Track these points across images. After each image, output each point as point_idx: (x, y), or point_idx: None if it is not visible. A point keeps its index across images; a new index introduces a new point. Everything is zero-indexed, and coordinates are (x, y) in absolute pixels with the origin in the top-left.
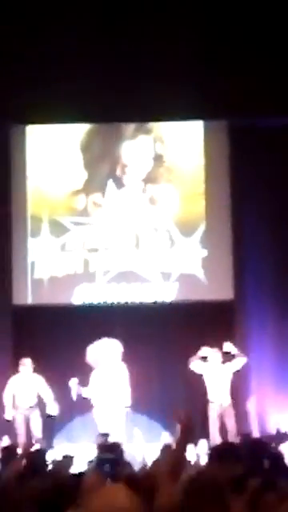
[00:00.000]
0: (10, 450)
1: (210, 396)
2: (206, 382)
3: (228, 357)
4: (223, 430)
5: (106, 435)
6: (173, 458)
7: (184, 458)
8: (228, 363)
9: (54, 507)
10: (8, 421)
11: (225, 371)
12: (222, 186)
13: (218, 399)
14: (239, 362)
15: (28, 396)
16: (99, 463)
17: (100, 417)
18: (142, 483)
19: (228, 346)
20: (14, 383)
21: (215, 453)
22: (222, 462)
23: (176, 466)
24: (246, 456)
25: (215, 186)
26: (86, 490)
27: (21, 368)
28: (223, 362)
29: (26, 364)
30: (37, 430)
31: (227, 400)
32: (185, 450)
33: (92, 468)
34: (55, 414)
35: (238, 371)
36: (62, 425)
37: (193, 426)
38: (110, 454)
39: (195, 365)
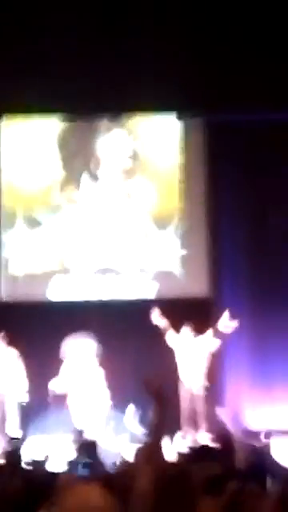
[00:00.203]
0: None
1: (180, 375)
2: (177, 361)
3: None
4: (193, 413)
5: (80, 432)
6: (150, 440)
7: (161, 437)
8: (201, 337)
9: (27, 506)
10: None
11: (198, 348)
12: (198, 182)
13: (190, 379)
14: (212, 340)
15: (4, 382)
16: (73, 465)
17: (74, 411)
18: (118, 482)
19: (224, 317)
20: None
21: (192, 452)
22: (199, 461)
23: (153, 451)
24: (224, 455)
25: (191, 181)
26: (60, 489)
27: None
28: (195, 336)
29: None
30: (12, 418)
31: (199, 382)
32: (163, 426)
33: (66, 470)
34: (26, 403)
35: (213, 356)
36: (36, 415)
37: (165, 395)
38: (84, 457)
39: (169, 335)
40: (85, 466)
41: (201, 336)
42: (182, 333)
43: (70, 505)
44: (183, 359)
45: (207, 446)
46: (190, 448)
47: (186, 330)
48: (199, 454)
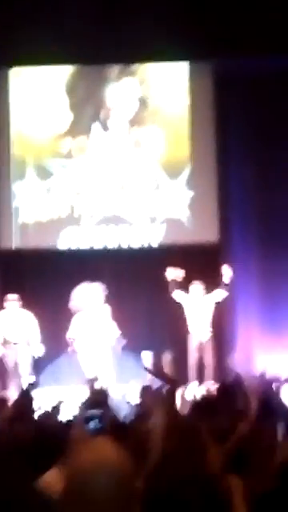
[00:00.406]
0: None
1: (189, 327)
2: (186, 314)
3: (211, 288)
4: (201, 363)
5: (92, 380)
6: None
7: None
8: (209, 294)
9: (39, 458)
10: None
11: (206, 303)
12: (208, 128)
13: (198, 331)
14: (219, 293)
15: (16, 332)
16: (85, 420)
17: (86, 360)
18: (131, 434)
19: (225, 270)
20: (1, 318)
21: (197, 405)
22: (204, 415)
23: (168, 401)
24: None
25: (201, 128)
26: (73, 444)
27: (7, 304)
28: (205, 294)
29: (12, 299)
30: (25, 369)
31: (207, 333)
32: (174, 401)
33: (78, 424)
34: (40, 355)
35: (219, 304)
36: (49, 363)
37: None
38: (97, 410)
39: (177, 293)
40: (97, 419)
41: (210, 294)
42: (191, 289)
43: (83, 460)
44: (192, 311)
45: (217, 395)
46: (201, 398)
47: (196, 287)
48: (209, 403)
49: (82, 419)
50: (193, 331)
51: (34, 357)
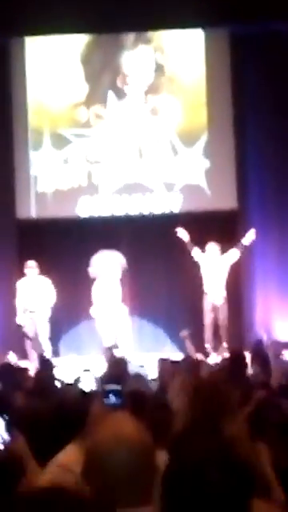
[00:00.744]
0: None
1: (205, 288)
2: (202, 274)
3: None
4: (216, 323)
5: (111, 348)
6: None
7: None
8: (225, 255)
9: (60, 432)
10: (19, 326)
11: (221, 263)
12: (224, 96)
13: (213, 292)
14: (234, 253)
15: (35, 300)
16: (104, 395)
17: (105, 328)
18: (152, 410)
19: (250, 234)
20: (21, 286)
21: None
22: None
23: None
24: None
25: (217, 95)
26: (92, 420)
27: (26, 270)
28: (221, 252)
29: (32, 266)
30: (44, 336)
31: (222, 294)
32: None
33: (97, 399)
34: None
35: (237, 268)
36: (68, 331)
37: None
38: (115, 385)
39: (195, 251)
40: (116, 393)
41: (226, 254)
42: (208, 249)
43: (102, 435)
44: (208, 273)
45: (229, 364)
46: (222, 361)
47: (212, 246)
48: (231, 366)
49: (101, 393)
50: (208, 292)
51: (53, 325)
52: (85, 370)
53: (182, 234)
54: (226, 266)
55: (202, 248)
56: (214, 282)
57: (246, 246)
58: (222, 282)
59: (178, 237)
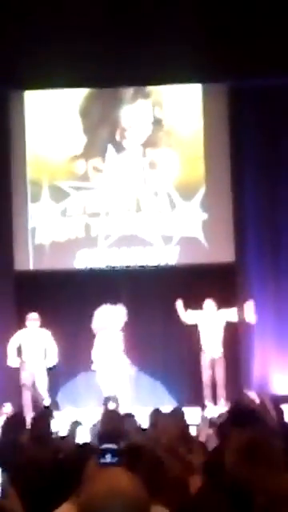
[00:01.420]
0: (15, 419)
1: (202, 345)
2: (199, 332)
3: (224, 306)
4: (213, 380)
5: (109, 399)
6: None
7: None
8: (222, 311)
9: (57, 486)
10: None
11: (218, 320)
12: (222, 149)
13: (210, 348)
14: (231, 314)
15: (35, 351)
16: (100, 454)
17: (104, 380)
18: (147, 462)
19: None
20: (20, 336)
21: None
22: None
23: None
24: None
25: (215, 148)
26: (87, 478)
27: (28, 322)
28: (218, 310)
29: (34, 318)
30: (43, 389)
31: (219, 349)
32: None
33: (93, 458)
34: (54, 364)
35: (234, 323)
36: (66, 383)
37: None
38: (112, 445)
39: (189, 315)
40: (112, 452)
41: (224, 310)
42: (205, 306)
43: (97, 490)
44: (206, 330)
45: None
46: (220, 414)
47: (209, 303)
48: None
49: (97, 452)
50: (206, 349)
51: (51, 377)
52: (76, 423)
53: (179, 306)
54: (222, 323)
55: (199, 302)
56: (212, 338)
57: (244, 318)
58: (219, 338)
59: (175, 290)
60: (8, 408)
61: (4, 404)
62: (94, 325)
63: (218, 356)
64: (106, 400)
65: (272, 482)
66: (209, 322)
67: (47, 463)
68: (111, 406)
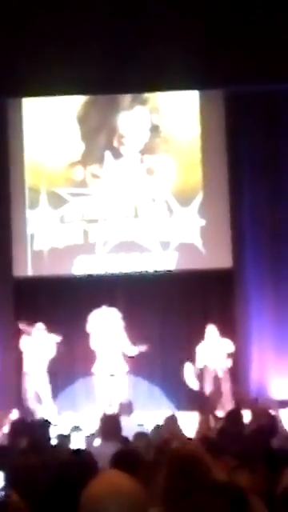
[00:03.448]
0: (19, 424)
1: (206, 362)
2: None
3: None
4: (218, 394)
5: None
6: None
7: None
8: (226, 339)
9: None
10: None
11: (221, 346)
12: (219, 155)
13: (213, 365)
14: (229, 345)
15: (39, 360)
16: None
17: (101, 384)
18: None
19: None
20: (25, 344)
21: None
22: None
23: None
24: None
25: (212, 155)
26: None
27: (34, 331)
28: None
29: (41, 328)
30: (46, 395)
31: (223, 365)
32: None
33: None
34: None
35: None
36: (64, 386)
37: None
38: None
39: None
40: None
41: (223, 341)
42: (207, 331)
43: (95, 490)
44: (207, 357)
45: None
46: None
47: (211, 329)
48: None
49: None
50: (208, 363)
51: (50, 383)
52: (75, 428)
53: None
54: (224, 351)
55: (197, 309)
56: (213, 356)
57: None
58: (222, 357)
59: (173, 295)
60: (15, 414)
61: (11, 410)
62: (88, 327)
63: (223, 369)
64: (73, 429)
65: None
66: (210, 350)
67: (43, 470)
68: (107, 410)
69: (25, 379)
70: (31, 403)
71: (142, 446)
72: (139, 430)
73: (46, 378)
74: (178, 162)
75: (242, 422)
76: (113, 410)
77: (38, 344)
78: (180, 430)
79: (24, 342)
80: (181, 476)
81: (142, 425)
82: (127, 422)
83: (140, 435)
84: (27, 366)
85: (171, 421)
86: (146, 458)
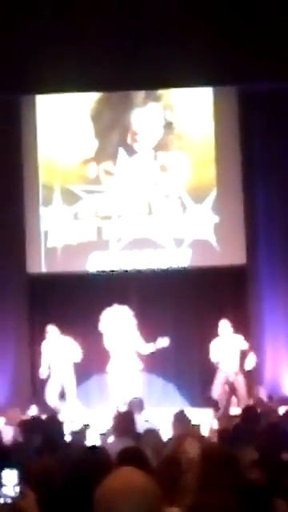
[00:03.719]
0: (34, 421)
1: (220, 363)
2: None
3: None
4: (231, 396)
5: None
6: None
7: None
8: (239, 335)
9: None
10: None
11: (234, 342)
12: (233, 152)
13: (227, 367)
14: (242, 342)
15: (59, 358)
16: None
17: (114, 382)
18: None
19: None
20: (47, 348)
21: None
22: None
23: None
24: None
25: (226, 151)
26: None
27: (47, 335)
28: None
29: (50, 331)
30: (71, 394)
31: (235, 368)
32: None
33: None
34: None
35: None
36: (78, 383)
37: None
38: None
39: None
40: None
41: (236, 337)
42: (221, 325)
43: (110, 487)
44: (221, 349)
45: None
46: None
47: (224, 323)
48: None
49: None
50: (222, 366)
51: (63, 382)
52: (85, 425)
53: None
54: (237, 347)
55: (210, 306)
56: (227, 355)
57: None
58: (235, 354)
59: (187, 292)
60: (33, 410)
61: (30, 406)
62: (101, 326)
63: (237, 372)
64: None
65: None
66: (224, 345)
67: (58, 467)
68: (120, 408)
69: (48, 376)
70: (53, 400)
71: (151, 443)
72: (148, 426)
73: (71, 375)
74: (192, 158)
75: (258, 419)
76: (124, 407)
77: (55, 343)
78: (191, 427)
79: (46, 343)
80: (219, 475)
81: (148, 420)
82: (138, 419)
83: (149, 432)
84: (51, 363)
85: (180, 417)
86: (157, 455)
